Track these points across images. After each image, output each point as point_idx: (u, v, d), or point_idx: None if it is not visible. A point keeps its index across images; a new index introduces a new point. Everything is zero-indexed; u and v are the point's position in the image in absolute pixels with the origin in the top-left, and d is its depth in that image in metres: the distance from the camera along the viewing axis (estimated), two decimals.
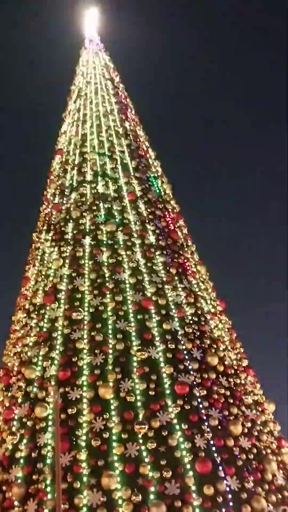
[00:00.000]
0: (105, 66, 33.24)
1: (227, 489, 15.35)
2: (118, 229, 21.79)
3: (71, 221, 22.69)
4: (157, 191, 25.53)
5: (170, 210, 25.08)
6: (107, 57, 34.72)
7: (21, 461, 16.02)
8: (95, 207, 22.90)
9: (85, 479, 14.85)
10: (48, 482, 15.04)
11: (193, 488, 14.90)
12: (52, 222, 23.60)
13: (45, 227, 24.08)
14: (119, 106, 29.53)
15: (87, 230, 22.02)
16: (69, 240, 22.00)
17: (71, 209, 23.08)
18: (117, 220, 22.24)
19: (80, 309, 19.07)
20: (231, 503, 15.07)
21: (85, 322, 18.73)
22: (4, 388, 19.10)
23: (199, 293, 21.62)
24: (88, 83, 31.28)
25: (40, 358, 18.52)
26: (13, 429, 16.99)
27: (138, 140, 27.94)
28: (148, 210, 23.56)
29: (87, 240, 21.51)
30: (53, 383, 17.18)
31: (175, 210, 25.70)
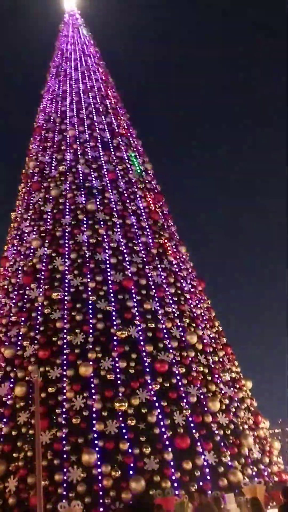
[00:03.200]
0: (85, 42, 32.48)
1: (205, 463, 15.76)
2: (99, 209, 21.61)
3: (50, 200, 22.39)
4: (138, 170, 25.32)
5: (151, 190, 24.94)
6: (87, 32, 33.91)
7: (1, 439, 16.10)
8: (75, 186, 22.62)
9: (65, 456, 15.04)
10: (28, 459, 15.18)
11: (172, 463, 15.25)
12: (31, 201, 23.27)
13: (24, 206, 23.75)
14: (99, 83, 28.98)
15: (67, 210, 21.78)
16: (48, 220, 21.75)
17: (51, 187, 22.75)
18: (97, 199, 22.05)
19: (60, 289, 18.99)
20: (208, 477, 15.49)
21: (65, 302, 18.68)
22: None
23: (179, 273, 21.74)
24: (68, 60, 30.57)
25: (20, 337, 18.46)
26: None
27: (119, 118, 27.55)
28: (129, 190, 23.40)
29: (67, 220, 21.28)
30: (33, 362, 17.16)
31: (156, 190, 25.57)
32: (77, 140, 24.60)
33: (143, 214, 22.71)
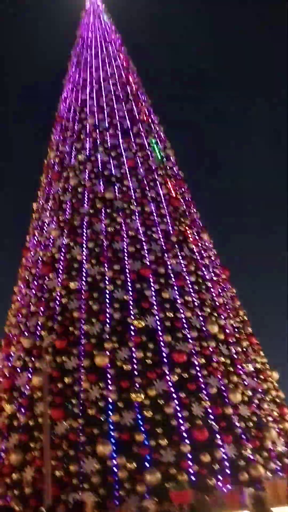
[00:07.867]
0: (106, 28, 31.94)
1: (224, 456, 15.20)
2: (117, 197, 21.24)
3: (69, 189, 22.20)
4: (159, 157, 24.70)
5: (172, 176, 24.30)
6: (108, 18, 33.35)
7: (19, 429, 16.14)
8: (93, 175, 22.32)
9: (80, 447, 14.88)
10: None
11: (189, 455, 14.80)
12: (51, 192, 23.18)
13: (44, 197, 23.71)
14: (120, 69, 28.43)
15: (85, 199, 21.52)
16: (67, 209, 21.58)
17: (70, 177, 22.55)
18: (116, 187, 21.67)
19: (77, 278, 18.82)
20: (227, 470, 14.94)
21: (83, 291, 18.48)
22: (5, 358, 19.20)
23: (200, 261, 21.08)
24: (88, 47, 30.17)
25: (39, 328, 18.45)
26: (12, 398, 17.09)
27: (140, 104, 26.94)
28: (149, 177, 22.86)
29: (85, 209, 21.03)
30: (49, 352, 17.08)
31: (178, 177, 24.91)
32: (97, 129, 24.23)
33: (163, 201, 22.14)
